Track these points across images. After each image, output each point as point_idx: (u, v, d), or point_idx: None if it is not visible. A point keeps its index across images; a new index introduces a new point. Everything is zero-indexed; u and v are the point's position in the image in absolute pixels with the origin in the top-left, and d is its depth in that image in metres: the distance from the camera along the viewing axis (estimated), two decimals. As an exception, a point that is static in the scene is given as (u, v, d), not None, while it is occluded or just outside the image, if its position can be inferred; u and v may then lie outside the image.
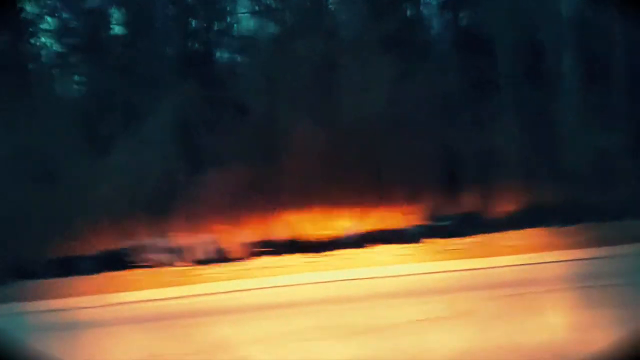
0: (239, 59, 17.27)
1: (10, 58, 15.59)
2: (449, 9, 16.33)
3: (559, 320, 6.98)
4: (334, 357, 6.64)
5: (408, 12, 16.67)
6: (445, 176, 13.64)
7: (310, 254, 11.69)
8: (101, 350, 7.40)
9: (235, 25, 16.91)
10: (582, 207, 12.23)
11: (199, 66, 16.00)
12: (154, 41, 15.77)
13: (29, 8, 16.41)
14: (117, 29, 16.84)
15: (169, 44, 16.12)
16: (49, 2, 16.47)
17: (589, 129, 13.62)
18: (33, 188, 13.21)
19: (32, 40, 16.55)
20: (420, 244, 11.75)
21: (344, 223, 12.87)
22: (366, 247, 11.81)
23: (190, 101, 14.84)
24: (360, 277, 10.07)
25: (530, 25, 14.94)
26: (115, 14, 16.81)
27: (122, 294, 10.35)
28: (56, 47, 16.79)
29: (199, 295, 10.00)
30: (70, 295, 10.64)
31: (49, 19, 16.70)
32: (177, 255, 12.35)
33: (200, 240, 12.70)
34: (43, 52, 16.74)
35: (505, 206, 13.04)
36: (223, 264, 11.71)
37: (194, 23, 17.00)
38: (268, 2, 16.82)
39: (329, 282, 10.07)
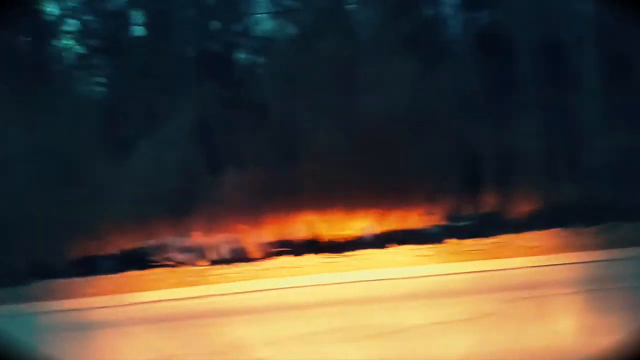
0: (258, 59, 17.28)
1: (32, 60, 15.74)
2: (468, 8, 16.21)
3: (580, 323, 6.89)
4: (354, 359, 6.61)
5: (428, 12, 16.57)
6: (465, 176, 13.54)
7: (329, 255, 11.66)
8: (115, 351, 7.42)
9: (254, 26, 16.93)
10: (604, 207, 12.07)
11: (218, 67, 16.03)
12: (174, 43, 15.83)
13: (51, 10, 16.57)
14: (137, 31, 16.95)
15: (189, 45, 16.18)
16: (70, 4, 16.60)
17: (611, 128, 13.44)
18: (54, 188, 13.32)
19: (54, 42, 16.70)
20: (439, 245, 11.66)
21: (363, 223, 12.82)
22: (385, 247, 11.75)
23: (210, 102, 14.89)
24: (379, 278, 10.01)
25: (550, 24, 14.78)
26: (136, 16, 16.92)
27: (140, 294, 10.40)
28: (77, 49, 16.94)
29: (217, 295, 10.02)
30: (90, 294, 10.73)
31: (70, 21, 16.85)
32: (197, 254, 12.39)
33: (219, 240, 12.74)
34: (64, 54, 16.88)
35: (526, 206, 12.92)
36: (242, 264, 11.73)
37: (213, 24, 17.04)
38: (287, 3, 16.82)
39: (347, 283, 10.03)
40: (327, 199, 12.98)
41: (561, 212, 12.20)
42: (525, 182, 13.29)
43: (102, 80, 17.31)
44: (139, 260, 12.40)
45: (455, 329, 7.09)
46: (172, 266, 12.01)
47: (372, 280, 9.98)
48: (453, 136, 13.65)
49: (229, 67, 16.47)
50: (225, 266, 11.76)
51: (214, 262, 12.12)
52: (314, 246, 12.26)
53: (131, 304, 9.85)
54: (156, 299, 10.05)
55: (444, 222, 12.88)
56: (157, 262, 12.14)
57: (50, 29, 16.54)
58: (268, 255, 12.18)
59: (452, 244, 11.69)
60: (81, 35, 16.77)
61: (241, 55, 17.29)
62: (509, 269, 9.88)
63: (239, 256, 12.39)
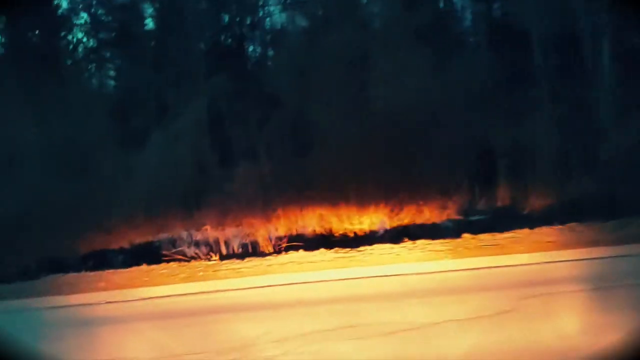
0: (270, 52, 17.22)
1: (43, 53, 15.73)
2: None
3: (597, 320, 6.76)
4: (366, 357, 6.50)
5: (441, 3, 16.42)
6: (479, 170, 13.43)
7: (342, 250, 11.55)
8: (123, 348, 7.36)
9: (266, 18, 16.86)
10: (620, 202, 11.90)
11: (230, 60, 15.99)
12: (186, 35, 15.79)
13: (63, 3, 16.57)
14: (149, 24, 16.92)
15: (200, 38, 16.13)
16: (82, -3, 16.60)
17: (627, 122, 13.26)
18: (65, 182, 13.32)
19: (66, 35, 16.69)
20: (454, 240, 11.53)
21: (376, 218, 12.72)
22: (398, 242, 11.63)
23: (222, 95, 14.85)
24: (392, 274, 9.89)
25: (565, 16, 14.60)
26: (148, 9, 16.88)
27: (150, 289, 10.35)
28: (89, 42, 16.94)
29: (227, 290, 9.93)
30: (100, 289, 10.69)
31: (82, 14, 16.85)
32: (208, 249, 12.34)
33: (230, 234, 12.70)
34: (77, 47, 16.87)
35: (541, 201, 12.78)
36: (253, 259, 11.65)
37: (225, 17, 16.98)
38: (299, -6, 16.72)
39: (360, 278, 9.91)
40: (340, 193, 12.89)
41: (577, 207, 12.03)
42: (540, 177, 13.16)
43: (113, 73, 17.32)
44: (150, 254, 12.37)
45: (472, 326, 6.94)
46: (183, 260, 11.96)
47: (385, 276, 9.84)
48: (467, 130, 13.52)
49: (241, 59, 16.42)
50: (236, 261, 11.70)
51: (225, 257, 12.06)
52: (326, 241, 12.16)
53: (141, 299, 9.79)
54: (166, 294, 9.99)
55: (458, 217, 12.76)
56: (168, 256, 12.09)
57: (61, 22, 16.53)
58: (279, 250, 12.11)
59: (467, 238, 11.55)
60: (92, 28, 16.77)
61: (253, 48, 17.24)
62: (524, 264, 9.73)
63: (252, 250, 12.34)
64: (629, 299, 7.31)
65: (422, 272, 9.86)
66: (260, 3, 16.80)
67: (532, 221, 11.94)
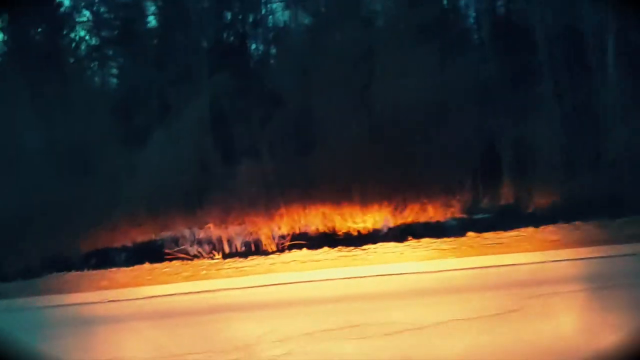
0: (273, 50, 17.18)
1: (47, 51, 15.72)
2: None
3: (604, 319, 6.69)
4: (371, 357, 6.43)
5: (444, 0, 16.35)
6: (484, 168, 13.38)
7: (346, 248, 11.50)
8: (121, 348, 7.30)
9: (269, 16, 16.82)
10: (626, 200, 11.83)
11: (233, 58, 15.96)
12: (188, 33, 15.76)
13: (65, 1, 16.55)
14: (152, 22, 16.91)
15: (202, 36, 16.10)
16: (84, -5, 16.57)
17: (632, 120, 13.19)
18: (69, 180, 13.31)
19: (69, 33, 16.67)
20: (458, 238, 11.46)
21: (379, 216, 12.67)
22: (403, 241, 11.57)
23: (224, 93, 14.81)
24: (396, 273, 9.82)
25: (570, 12, 14.52)
26: (150, 7, 16.86)
27: (153, 287, 10.31)
28: (92, 40, 16.92)
29: (230, 289, 9.88)
30: (103, 287, 10.65)
31: (85, 12, 16.84)
32: (211, 247, 12.31)
33: (233, 232, 12.66)
34: (79, 45, 16.86)
35: (546, 199, 12.72)
36: (256, 257, 11.61)
37: (228, 15, 16.95)
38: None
39: (363, 277, 9.84)
40: (343, 191, 12.84)
41: (582, 205, 11.94)
42: (545, 175, 13.10)
43: (116, 71, 17.31)
44: (153, 252, 12.33)
45: (478, 326, 6.87)
46: (186, 259, 11.92)
47: (388, 275, 9.77)
48: (471, 127, 13.46)
49: (243, 57, 16.40)
50: (239, 259, 11.65)
51: (228, 255, 12.02)
52: (330, 239, 12.11)
53: (143, 298, 9.74)
54: (169, 292, 9.94)
55: (462, 215, 12.71)
56: (170, 254, 12.05)
57: (64, 20, 16.52)
58: (283, 248, 12.06)
59: (470, 237, 11.48)
60: (95, 26, 16.75)
61: (255, 46, 17.21)
62: (529, 263, 9.64)
63: (254, 249, 12.30)
64: (636, 298, 7.24)
65: (427, 271, 9.78)
66: (263, 1, 16.77)
67: (536, 219, 11.86)
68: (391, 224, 12.56)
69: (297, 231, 12.56)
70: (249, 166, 13.78)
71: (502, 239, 11.26)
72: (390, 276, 9.73)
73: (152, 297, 9.82)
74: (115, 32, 16.85)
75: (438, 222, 12.53)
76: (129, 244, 13.08)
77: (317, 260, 11.12)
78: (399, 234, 12.04)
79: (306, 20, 16.36)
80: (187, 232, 12.87)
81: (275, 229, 12.61)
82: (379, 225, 12.55)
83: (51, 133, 14.04)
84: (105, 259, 12.51)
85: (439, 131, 13.32)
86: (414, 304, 8.00)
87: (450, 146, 13.16)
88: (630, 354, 5.54)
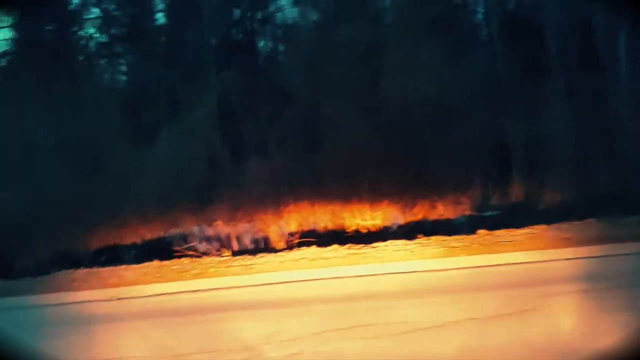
0: (282, 47, 17.13)
1: (56, 48, 15.72)
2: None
3: (618, 319, 6.59)
4: (382, 357, 6.35)
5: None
6: (495, 164, 13.28)
7: (355, 246, 11.43)
8: (127, 346, 7.26)
9: (278, 13, 16.75)
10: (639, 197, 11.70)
11: (242, 55, 15.91)
12: (197, 30, 15.72)
13: (74, -1, 16.53)
14: (160, 19, 16.87)
15: (211, 32, 16.06)
16: (93, -8, 16.56)
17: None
18: (77, 177, 13.30)
19: (78, 31, 16.66)
20: (469, 236, 11.37)
21: (389, 213, 12.60)
22: (413, 238, 11.49)
23: (233, 90, 14.77)
24: (407, 271, 9.74)
25: (581, 7, 14.39)
26: (159, 4, 16.83)
27: (162, 285, 10.28)
28: (101, 37, 16.90)
29: (239, 287, 9.84)
30: (112, 285, 10.65)
31: (94, 9, 16.82)
32: (220, 244, 12.28)
33: (242, 229, 12.62)
34: (88, 43, 16.85)
35: (558, 196, 12.60)
36: (265, 254, 11.57)
37: (236, 12, 16.90)
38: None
39: (373, 275, 9.77)
40: (352, 188, 12.78)
41: (594, 202, 11.83)
42: (556, 171, 12.99)
43: (125, 68, 17.29)
44: (162, 250, 12.31)
45: (492, 325, 6.77)
46: (195, 256, 11.89)
47: (399, 273, 9.70)
48: (481, 124, 13.37)
49: (252, 54, 16.33)
50: (248, 256, 11.61)
51: (237, 253, 11.99)
52: (339, 237, 12.05)
53: (152, 295, 9.73)
54: (177, 290, 9.92)
55: (473, 213, 12.61)
56: (179, 252, 12.02)
57: (73, 17, 16.51)
58: (292, 245, 12.01)
59: (481, 235, 11.39)
60: (104, 24, 16.73)
61: (264, 43, 17.14)
62: (545, 261, 9.54)
63: (263, 246, 12.25)
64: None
65: (438, 269, 9.70)
66: (272, -3, 16.71)
67: (548, 217, 11.75)
68: (401, 222, 12.48)
69: (306, 228, 12.50)
70: (258, 163, 13.74)
71: (514, 237, 11.18)
72: (400, 274, 9.66)
73: (160, 294, 9.79)
74: (125, 30, 16.82)
75: (448, 220, 12.43)
76: (138, 241, 13.06)
77: (326, 258, 11.07)
78: (408, 232, 11.97)
79: (315, 17, 16.29)
80: (195, 230, 12.83)
81: (284, 226, 12.57)
82: (388, 223, 12.47)
83: (60, 130, 14.04)
84: (115, 256, 12.49)
85: (449, 128, 13.22)
86: (425, 302, 7.92)
87: (460, 143, 13.07)
88: (630, 354, 5.44)
